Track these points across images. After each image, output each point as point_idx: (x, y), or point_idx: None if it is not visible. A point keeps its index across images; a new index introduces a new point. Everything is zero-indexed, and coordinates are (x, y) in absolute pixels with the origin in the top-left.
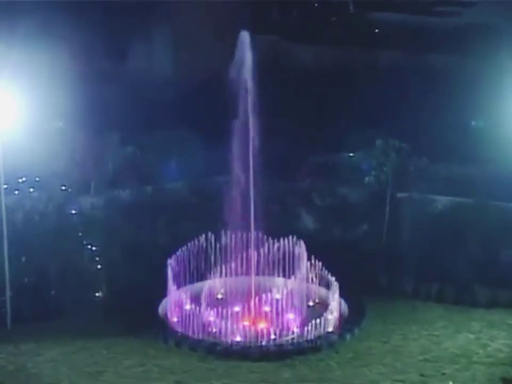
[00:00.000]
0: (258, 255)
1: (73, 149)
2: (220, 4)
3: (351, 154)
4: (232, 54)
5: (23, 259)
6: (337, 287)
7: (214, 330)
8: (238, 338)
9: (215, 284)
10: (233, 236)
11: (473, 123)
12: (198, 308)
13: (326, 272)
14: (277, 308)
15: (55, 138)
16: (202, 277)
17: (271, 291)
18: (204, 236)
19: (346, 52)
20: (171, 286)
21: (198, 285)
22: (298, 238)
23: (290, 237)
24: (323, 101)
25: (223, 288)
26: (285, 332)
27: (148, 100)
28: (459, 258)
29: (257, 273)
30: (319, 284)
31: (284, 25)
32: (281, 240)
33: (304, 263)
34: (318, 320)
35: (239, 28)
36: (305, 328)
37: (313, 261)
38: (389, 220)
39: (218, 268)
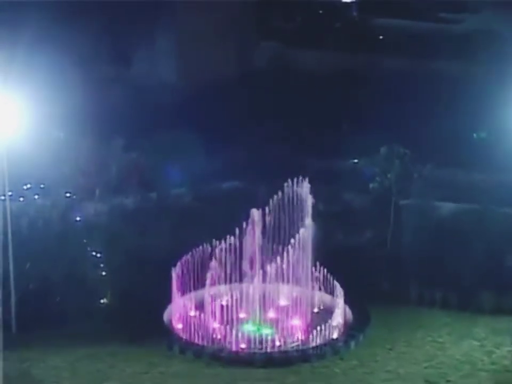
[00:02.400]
0: (263, 261)
1: (78, 155)
2: (225, 9)
3: (356, 160)
4: (236, 59)
5: (28, 265)
6: (342, 293)
7: (219, 337)
8: (243, 345)
9: (220, 290)
10: (237, 243)
11: (474, 135)
12: (202, 315)
13: (331, 278)
14: (282, 315)
15: (59, 145)
16: (206, 284)
17: (276, 298)
18: (208, 242)
19: (350, 58)
20: (175, 292)
21: (202, 292)
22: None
23: None
24: (327, 107)
25: (228, 295)
26: (290, 339)
27: (152, 105)
28: (464, 264)
29: (262, 280)
30: (324, 291)
31: (287, 31)
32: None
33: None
34: (322, 327)
35: (243, 34)
36: (310, 335)
37: (317, 268)
38: (393, 226)
39: (223, 274)
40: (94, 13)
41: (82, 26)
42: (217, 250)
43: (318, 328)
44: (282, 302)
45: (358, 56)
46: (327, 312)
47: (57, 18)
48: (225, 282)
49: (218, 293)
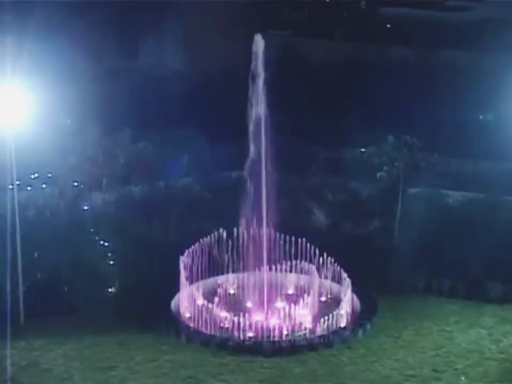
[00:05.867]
0: (271, 250)
1: (85, 145)
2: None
3: (363, 149)
4: (245, 50)
5: (36, 255)
6: (350, 282)
7: (226, 325)
8: (250, 334)
9: (228, 279)
10: (245, 232)
11: (481, 116)
12: (210, 304)
13: (338, 267)
14: (289, 304)
15: (66, 134)
16: (214, 273)
17: (283, 287)
18: (216, 231)
19: (358, 48)
20: (183, 281)
21: (210, 281)
22: (310, 233)
23: None
24: (334, 97)
25: (236, 284)
26: (297, 328)
27: (159, 96)
28: (471, 253)
29: (269, 269)
30: (331, 280)
31: (295, 21)
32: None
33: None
34: (330, 316)
35: (252, 24)
36: (318, 324)
37: (325, 257)
38: (401, 215)
39: (231, 263)
40: (102, 5)
41: (91, 17)
42: (224, 240)
43: (326, 317)
44: (290, 291)
45: (365, 45)
46: (334, 301)
47: (67, 9)
48: (233, 271)
49: (226, 282)
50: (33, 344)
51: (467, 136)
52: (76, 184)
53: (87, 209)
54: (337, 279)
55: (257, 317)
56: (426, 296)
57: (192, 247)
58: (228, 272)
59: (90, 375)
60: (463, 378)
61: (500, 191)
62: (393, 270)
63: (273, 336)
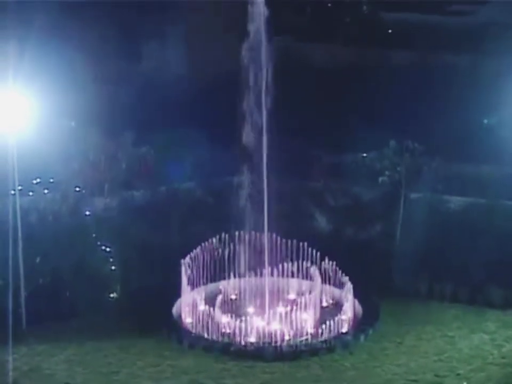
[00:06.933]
0: (272, 255)
1: (87, 149)
2: (234, 3)
3: (365, 154)
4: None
5: (38, 260)
6: (351, 287)
7: (228, 331)
8: (252, 339)
9: (229, 284)
10: (246, 237)
11: (485, 121)
12: (212, 309)
13: (340, 272)
14: (291, 309)
15: (69, 139)
16: (216, 278)
17: (285, 292)
18: (217, 236)
19: (360, 52)
20: (185, 286)
21: (212, 286)
22: (311, 238)
23: None
24: (336, 101)
25: (237, 289)
26: (299, 333)
27: (161, 99)
28: (474, 258)
29: (271, 274)
30: (333, 285)
31: (296, 25)
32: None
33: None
34: (332, 321)
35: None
36: (319, 329)
37: (326, 262)
38: (403, 220)
39: (232, 268)
40: (104, 8)
41: (92, 21)
42: (226, 244)
43: (327, 322)
44: (291, 296)
45: (367, 50)
46: (336, 306)
47: (68, 13)
48: (235, 277)
49: (228, 287)
50: (35, 349)
51: (469, 141)
52: (77, 189)
53: (89, 214)
54: (338, 284)
55: (259, 322)
56: (428, 301)
57: (194, 251)
58: (229, 278)
59: (92, 380)
60: (465, 383)
61: (502, 195)
62: (395, 275)
63: (275, 341)
